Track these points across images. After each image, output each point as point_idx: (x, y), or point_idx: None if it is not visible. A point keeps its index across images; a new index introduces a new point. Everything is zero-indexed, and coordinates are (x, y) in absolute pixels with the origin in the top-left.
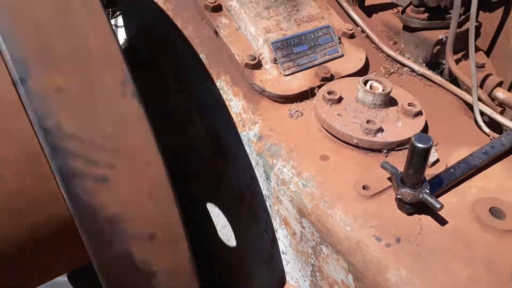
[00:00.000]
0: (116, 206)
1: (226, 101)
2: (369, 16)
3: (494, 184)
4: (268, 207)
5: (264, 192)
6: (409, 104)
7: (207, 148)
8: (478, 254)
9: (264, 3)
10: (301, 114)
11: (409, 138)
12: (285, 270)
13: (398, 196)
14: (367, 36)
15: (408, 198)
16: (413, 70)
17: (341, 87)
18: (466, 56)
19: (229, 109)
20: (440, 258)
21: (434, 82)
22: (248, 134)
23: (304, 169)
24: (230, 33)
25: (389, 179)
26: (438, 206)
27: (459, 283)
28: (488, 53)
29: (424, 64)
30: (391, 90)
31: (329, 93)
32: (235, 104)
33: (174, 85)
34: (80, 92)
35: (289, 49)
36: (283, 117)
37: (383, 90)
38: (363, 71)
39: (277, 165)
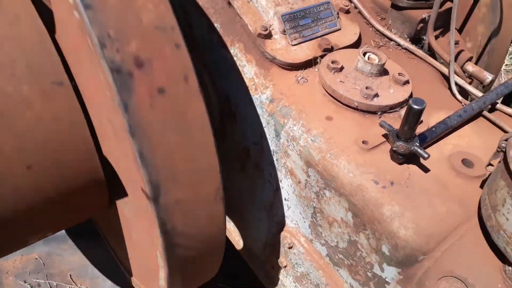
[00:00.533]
0: None
1: (239, 67)
2: None
3: (466, 141)
4: (275, 161)
5: (272, 148)
6: (399, 74)
7: (215, 110)
8: (453, 194)
9: None
10: (306, 81)
11: (400, 102)
12: (285, 214)
13: (393, 148)
14: (360, 12)
15: (402, 150)
16: (398, 44)
17: (342, 58)
18: (443, 33)
19: (242, 74)
20: (425, 197)
21: (416, 56)
22: (260, 97)
23: (313, 127)
24: (243, 4)
25: (384, 135)
26: (426, 156)
27: (439, 214)
28: (459, 31)
29: (408, 39)
30: (385, 62)
31: (332, 62)
32: (248, 70)
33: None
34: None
35: (295, 21)
36: (291, 83)
37: (379, 61)
38: (357, 44)
39: (288, 124)
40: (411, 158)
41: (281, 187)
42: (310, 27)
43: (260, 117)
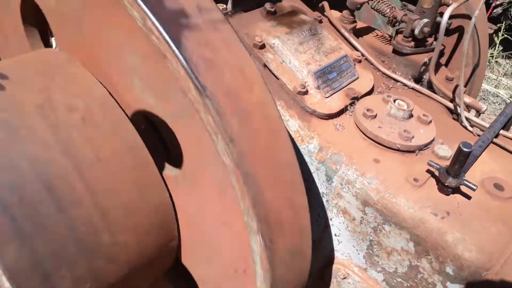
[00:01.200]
0: None
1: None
2: (356, 37)
3: (488, 167)
4: (325, 202)
5: (322, 191)
6: (423, 115)
7: None
8: (496, 216)
9: (297, 39)
10: (344, 127)
11: (431, 141)
12: (335, 249)
13: (446, 184)
14: (366, 59)
15: (453, 185)
16: (405, 85)
17: (371, 105)
18: (436, 71)
19: (287, 128)
20: (476, 222)
21: (422, 94)
22: (308, 146)
23: (366, 171)
24: (277, 66)
25: (428, 171)
26: (475, 187)
27: (492, 235)
28: (446, 66)
29: (412, 80)
30: (413, 107)
31: (367, 110)
32: (292, 124)
33: None
34: None
35: (325, 76)
36: (331, 131)
37: (407, 107)
38: (372, 89)
39: (341, 169)
40: (454, 189)
41: (330, 225)
42: (336, 79)
43: (309, 164)
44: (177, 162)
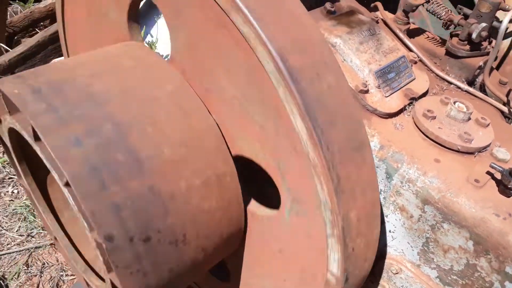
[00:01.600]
0: None
1: None
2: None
3: None
4: (382, 199)
5: (380, 187)
6: (482, 118)
7: None
8: None
9: (358, 38)
10: (403, 127)
11: (489, 144)
12: (389, 244)
13: (509, 186)
14: (421, 61)
15: None
16: (459, 87)
17: (431, 106)
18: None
19: None
20: None
21: (476, 97)
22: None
23: (428, 170)
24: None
25: (488, 173)
26: None
27: None
28: (497, 69)
29: (465, 82)
30: (473, 110)
31: (428, 111)
32: None
33: None
34: None
35: (385, 76)
36: (391, 129)
37: (467, 109)
38: (428, 90)
39: (403, 167)
40: None
41: (386, 221)
42: (395, 79)
43: None
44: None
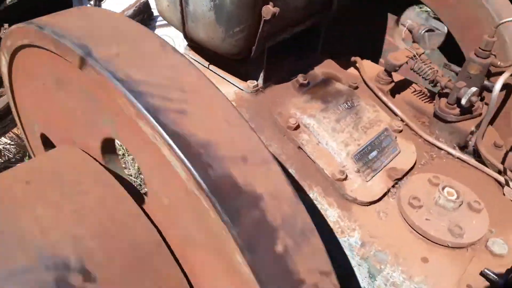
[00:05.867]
0: (203, 133)
1: (321, 210)
2: (394, 96)
3: None
4: None
5: (363, 285)
6: (475, 202)
7: None
8: None
9: (334, 116)
10: (386, 215)
11: (483, 235)
12: None
13: None
14: (407, 125)
15: None
16: (450, 153)
17: (416, 190)
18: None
19: (326, 218)
20: None
21: (469, 164)
22: (349, 240)
23: (414, 273)
24: (313, 148)
25: (482, 274)
26: None
27: None
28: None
29: (456, 147)
30: (464, 197)
31: (413, 198)
32: (331, 214)
33: None
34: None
35: (365, 157)
36: (374, 220)
37: (457, 196)
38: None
39: (386, 269)
40: None
41: None
42: (378, 158)
43: (350, 258)
44: None
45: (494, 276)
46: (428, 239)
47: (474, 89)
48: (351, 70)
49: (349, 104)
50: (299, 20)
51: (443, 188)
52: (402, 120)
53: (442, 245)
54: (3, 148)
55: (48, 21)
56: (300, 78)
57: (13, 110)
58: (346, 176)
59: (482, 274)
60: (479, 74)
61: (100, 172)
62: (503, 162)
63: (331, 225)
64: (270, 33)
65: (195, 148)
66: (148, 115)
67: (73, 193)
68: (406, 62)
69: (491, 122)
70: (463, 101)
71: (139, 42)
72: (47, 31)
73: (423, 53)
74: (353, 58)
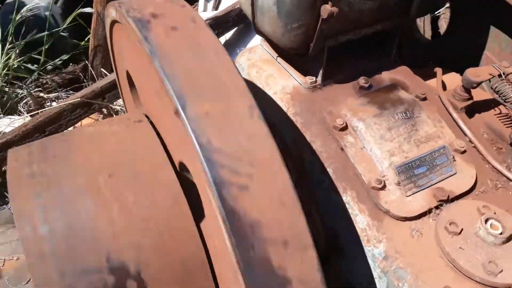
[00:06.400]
0: (256, 212)
1: (351, 215)
2: (471, 116)
3: None
4: None
5: None
6: None
7: (321, 237)
8: None
9: (386, 124)
10: (421, 235)
11: None
12: None
13: None
14: (475, 147)
15: None
16: None
17: (459, 215)
18: None
19: (354, 223)
20: None
21: None
22: (373, 250)
23: None
24: (356, 152)
25: None
26: None
27: None
28: None
29: None
30: (510, 232)
31: (450, 224)
32: (361, 220)
33: (296, 179)
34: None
35: (410, 171)
36: (405, 237)
37: (502, 232)
38: (474, 187)
39: (404, 287)
40: None
41: None
42: (425, 175)
43: (372, 268)
44: None
45: None
46: (457, 269)
47: None
48: (431, 81)
49: (408, 114)
50: (366, 23)
51: (486, 220)
52: (470, 142)
53: (471, 279)
54: (120, 109)
55: (162, 45)
56: (361, 80)
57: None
58: (384, 186)
59: None
60: None
61: (173, 183)
62: None
63: (359, 231)
64: (331, 32)
65: (244, 228)
66: (214, 188)
67: (146, 202)
68: (489, 80)
69: None
70: None
71: (231, 100)
72: (156, 64)
73: (511, 73)
74: (435, 69)
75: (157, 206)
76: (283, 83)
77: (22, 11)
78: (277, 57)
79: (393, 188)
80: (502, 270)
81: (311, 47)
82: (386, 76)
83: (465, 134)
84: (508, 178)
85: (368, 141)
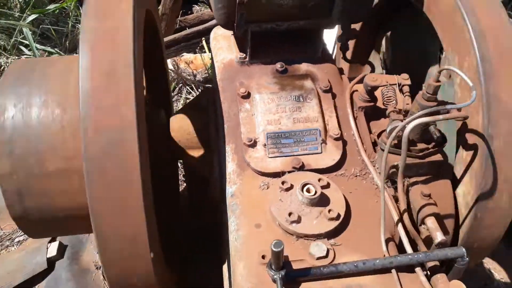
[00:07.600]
0: None
1: (227, 161)
2: (370, 116)
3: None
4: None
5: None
6: (329, 211)
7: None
8: None
9: (278, 101)
10: (267, 188)
11: (315, 235)
12: None
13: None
14: (355, 140)
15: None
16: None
17: (297, 179)
18: (425, 182)
19: (227, 167)
20: None
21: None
22: (229, 189)
23: (241, 229)
24: (246, 116)
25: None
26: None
27: None
28: None
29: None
30: (317, 197)
31: (284, 182)
32: (230, 166)
33: (212, 129)
34: None
35: (278, 139)
36: (254, 186)
37: (312, 195)
38: (334, 168)
39: (231, 218)
40: None
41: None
42: (290, 146)
43: (226, 201)
44: None
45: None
46: (270, 212)
47: (399, 124)
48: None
49: (301, 98)
50: (287, 17)
51: (305, 184)
52: (353, 134)
53: (275, 223)
54: None
55: None
56: (278, 64)
57: None
58: (254, 145)
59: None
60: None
61: None
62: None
63: (227, 174)
64: (252, 18)
65: None
66: None
67: None
68: (385, 86)
69: None
70: (387, 129)
71: None
72: None
73: (408, 85)
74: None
75: None
76: (224, 55)
77: None
78: (232, 34)
79: (260, 149)
80: (299, 222)
81: (235, 27)
82: (304, 67)
83: (351, 127)
84: (370, 171)
85: (257, 110)
